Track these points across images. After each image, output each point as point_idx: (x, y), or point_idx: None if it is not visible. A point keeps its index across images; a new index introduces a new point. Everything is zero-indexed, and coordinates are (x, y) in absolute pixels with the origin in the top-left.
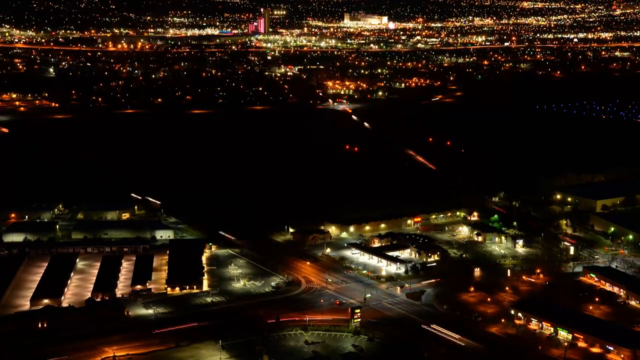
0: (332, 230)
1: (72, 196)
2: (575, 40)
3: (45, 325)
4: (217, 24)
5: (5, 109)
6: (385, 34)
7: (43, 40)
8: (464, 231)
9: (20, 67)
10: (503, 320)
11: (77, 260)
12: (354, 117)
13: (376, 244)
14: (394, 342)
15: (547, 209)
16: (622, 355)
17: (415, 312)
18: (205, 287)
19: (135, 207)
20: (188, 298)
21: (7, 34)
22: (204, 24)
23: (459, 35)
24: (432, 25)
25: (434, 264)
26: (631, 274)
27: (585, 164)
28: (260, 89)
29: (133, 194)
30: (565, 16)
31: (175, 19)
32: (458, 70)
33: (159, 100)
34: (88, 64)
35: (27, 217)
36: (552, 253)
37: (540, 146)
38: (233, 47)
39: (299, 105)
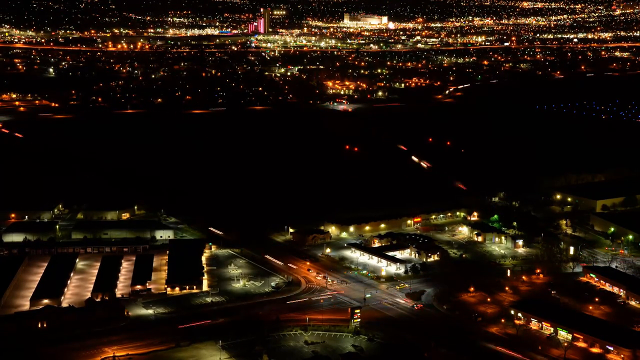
0: (332, 230)
1: (72, 196)
2: (575, 40)
3: (45, 325)
4: (217, 24)
5: (5, 109)
6: (385, 34)
7: (43, 40)
8: (464, 231)
9: (20, 67)
10: (503, 320)
11: (77, 260)
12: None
13: (376, 244)
14: (394, 342)
15: (547, 209)
16: (622, 355)
17: (415, 312)
18: (205, 287)
19: (135, 207)
20: (188, 298)
21: (7, 34)
22: (204, 24)
23: (459, 35)
24: (432, 25)
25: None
26: (631, 274)
27: (585, 164)
28: (260, 89)
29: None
30: (565, 16)
31: (175, 19)
32: (458, 71)
33: (159, 100)
34: (88, 64)
35: (27, 217)
36: (552, 253)
37: (540, 146)
38: (233, 47)
39: (297, 105)
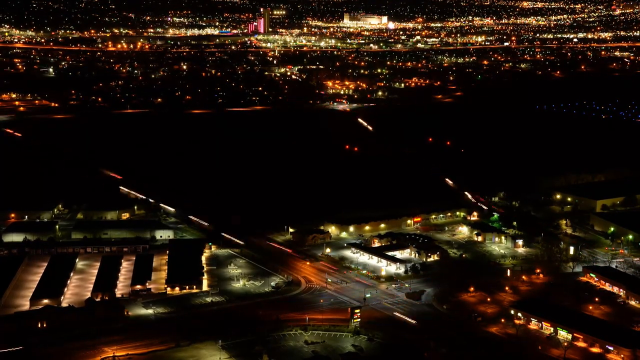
0: (332, 230)
1: (72, 196)
2: (575, 40)
3: (45, 325)
4: (217, 24)
5: (5, 109)
6: (385, 34)
7: (43, 40)
8: (464, 231)
9: (20, 67)
10: (503, 320)
11: (77, 260)
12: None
13: (376, 244)
14: (394, 342)
15: (547, 209)
16: (622, 355)
17: (415, 312)
18: (205, 287)
19: (135, 207)
20: (188, 298)
21: (7, 34)
22: (204, 24)
23: (459, 35)
24: (432, 25)
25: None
26: (631, 274)
27: (585, 164)
28: (260, 89)
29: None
30: (565, 16)
31: (175, 19)
32: (458, 70)
33: (159, 100)
34: (88, 64)
35: (26, 217)
36: (552, 253)
37: (540, 146)
38: (233, 47)
39: (297, 104)
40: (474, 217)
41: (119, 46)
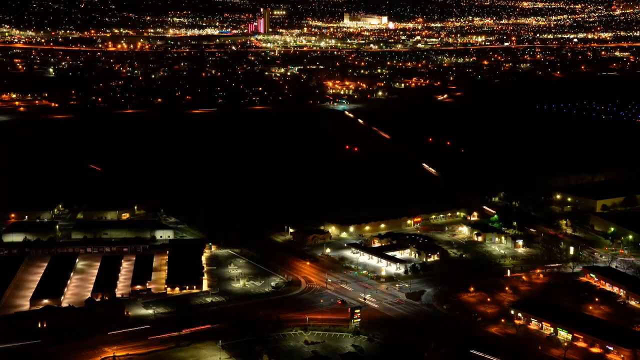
0: (332, 230)
1: (72, 196)
2: (575, 40)
3: (45, 325)
4: (217, 24)
5: (5, 109)
6: (385, 34)
7: (43, 40)
8: (464, 231)
9: (20, 67)
10: (503, 320)
11: (77, 260)
12: (355, 118)
13: (376, 244)
14: (394, 342)
15: (547, 209)
16: (622, 355)
17: (415, 312)
18: (205, 287)
19: (135, 207)
20: (188, 298)
21: (7, 34)
22: (204, 24)
23: (459, 35)
24: (432, 25)
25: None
26: (631, 274)
27: (585, 164)
28: (260, 89)
29: None
30: (565, 16)
31: (175, 19)
32: (458, 70)
33: (159, 100)
34: (88, 64)
35: (27, 217)
36: (552, 253)
37: (540, 146)
38: (233, 47)
39: (296, 104)
40: (474, 217)
41: (119, 46)
